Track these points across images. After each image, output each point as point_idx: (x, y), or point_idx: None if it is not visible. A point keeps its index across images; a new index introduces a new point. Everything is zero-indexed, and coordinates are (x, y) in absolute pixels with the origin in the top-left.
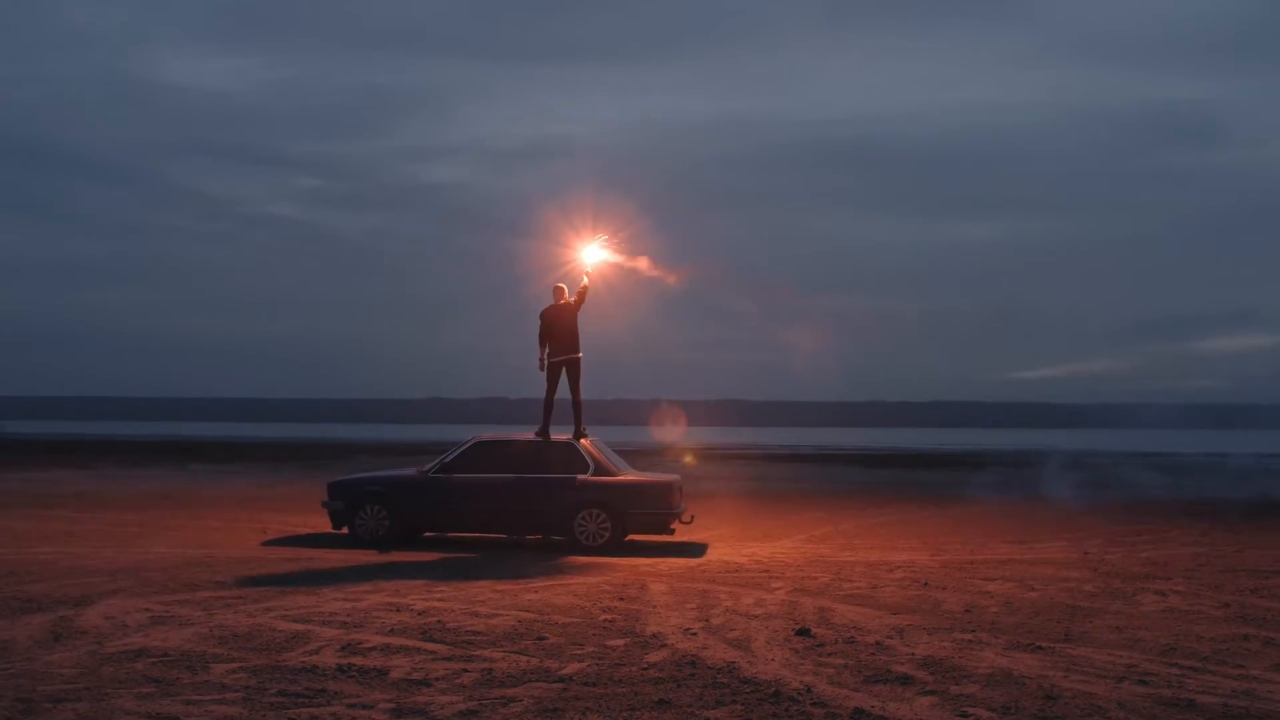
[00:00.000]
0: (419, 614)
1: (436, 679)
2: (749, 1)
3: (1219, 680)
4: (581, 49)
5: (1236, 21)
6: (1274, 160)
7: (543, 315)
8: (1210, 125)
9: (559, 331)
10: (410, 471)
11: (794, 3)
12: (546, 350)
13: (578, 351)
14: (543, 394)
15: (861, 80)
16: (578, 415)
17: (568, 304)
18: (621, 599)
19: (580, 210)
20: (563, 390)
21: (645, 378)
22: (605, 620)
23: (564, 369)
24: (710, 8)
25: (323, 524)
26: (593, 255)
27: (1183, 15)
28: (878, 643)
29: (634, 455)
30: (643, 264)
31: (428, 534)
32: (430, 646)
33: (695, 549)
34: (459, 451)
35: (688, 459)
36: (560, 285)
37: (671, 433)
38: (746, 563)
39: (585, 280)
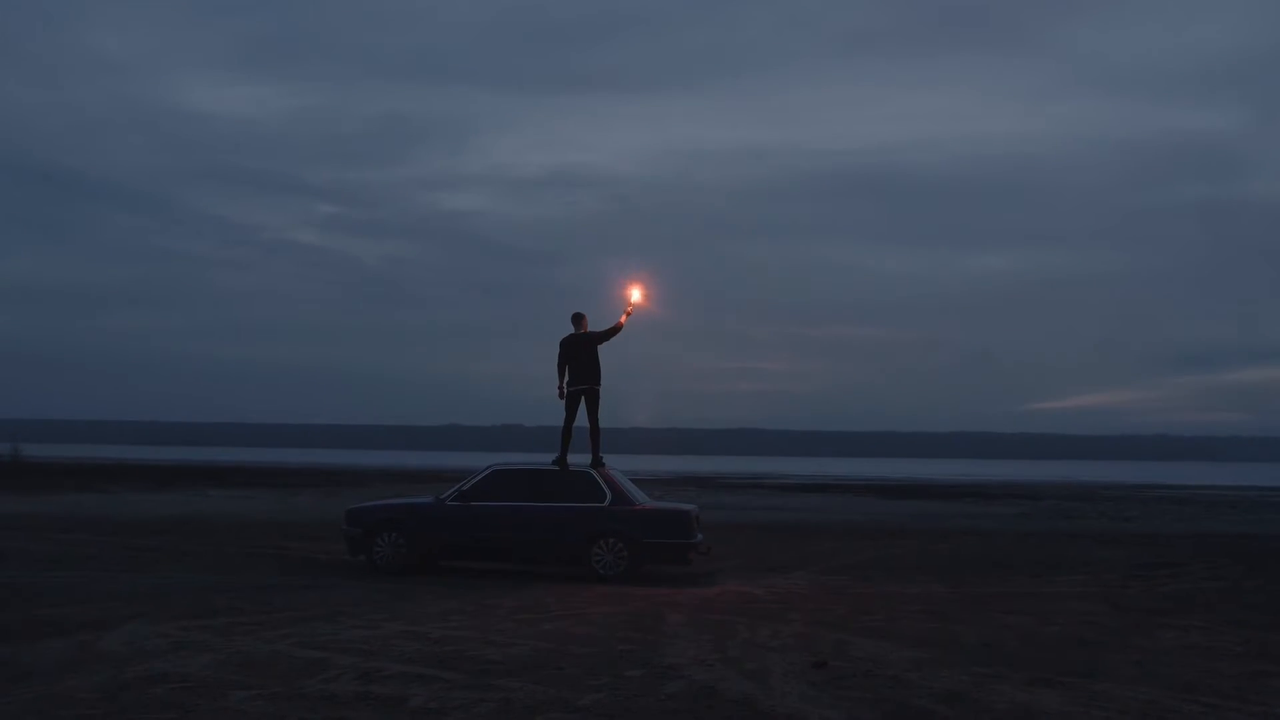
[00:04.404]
0: (436, 642)
1: (454, 708)
2: (767, 32)
3: (1241, 718)
4: (600, 79)
5: (1257, 53)
6: None
7: (563, 343)
8: (1231, 157)
9: (579, 361)
10: (427, 500)
11: (811, 34)
12: (566, 379)
13: (598, 382)
14: (561, 422)
15: (879, 111)
16: (595, 444)
17: (590, 334)
18: (638, 629)
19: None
20: (581, 419)
21: (663, 406)
22: (622, 650)
23: (583, 398)
24: (729, 38)
25: (340, 551)
26: (634, 296)
27: (1202, 46)
28: (896, 676)
29: (649, 485)
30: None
31: (444, 562)
32: (448, 675)
33: (711, 579)
34: (476, 480)
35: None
36: (581, 313)
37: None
38: (763, 594)
39: (623, 319)
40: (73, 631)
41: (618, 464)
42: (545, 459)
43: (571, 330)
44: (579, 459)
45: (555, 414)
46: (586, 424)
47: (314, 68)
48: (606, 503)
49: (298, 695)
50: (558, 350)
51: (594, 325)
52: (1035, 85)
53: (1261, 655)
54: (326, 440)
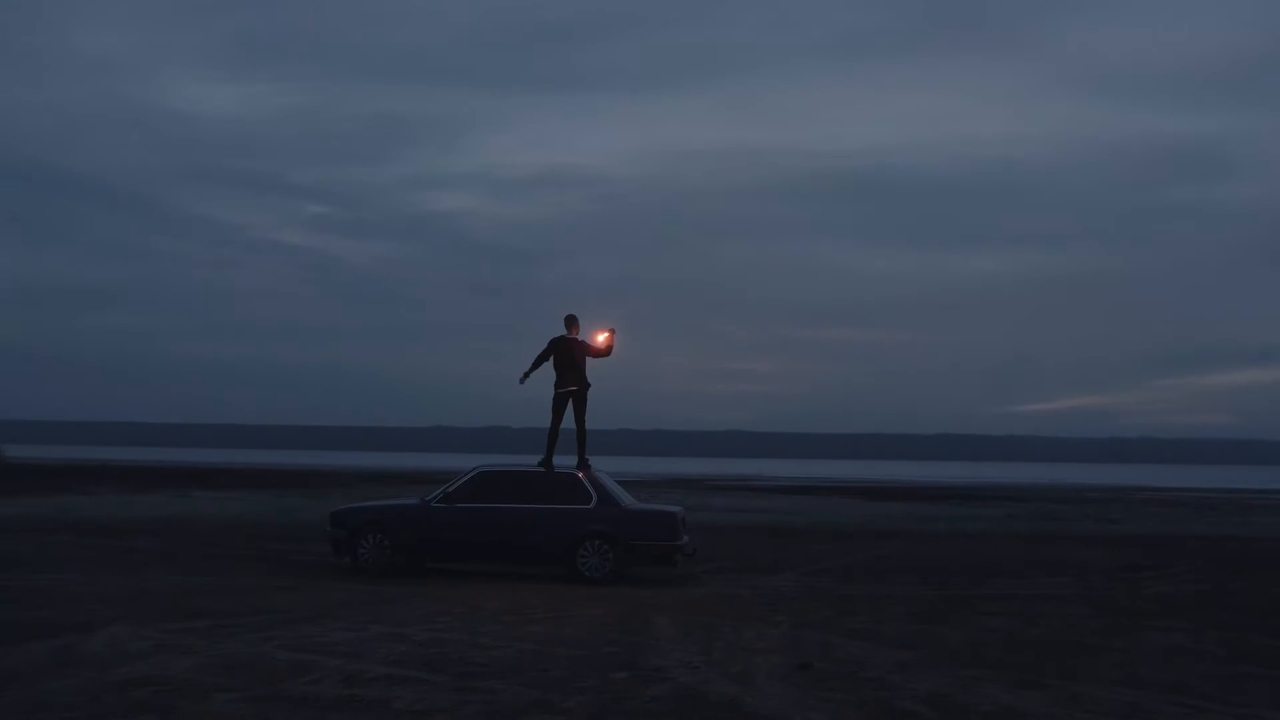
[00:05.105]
0: (421, 645)
1: (439, 710)
2: (760, 33)
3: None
4: (591, 79)
5: (1246, 56)
6: None
7: (553, 342)
8: (1220, 159)
9: (569, 364)
10: (413, 501)
11: (804, 34)
12: (555, 380)
13: (586, 385)
14: (548, 424)
15: (871, 112)
16: (581, 447)
17: (583, 342)
18: (624, 631)
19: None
20: (568, 421)
21: (650, 408)
22: (608, 653)
23: (570, 400)
24: (721, 39)
25: (325, 552)
26: (600, 339)
27: (1192, 49)
28: (880, 678)
29: (635, 487)
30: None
31: (430, 564)
32: (433, 677)
33: (697, 581)
34: (461, 482)
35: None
36: (574, 316)
37: None
38: (748, 595)
39: (610, 340)
40: (56, 634)
41: (604, 466)
42: (531, 461)
43: (564, 331)
44: (565, 461)
45: (542, 416)
46: (574, 426)
47: (303, 67)
48: (592, 505)
49: (281, 698)
50: (545, 345)
51: (584, 334)
52: (1026, 87)
53: (1244, 657)
54: (313, 441)
